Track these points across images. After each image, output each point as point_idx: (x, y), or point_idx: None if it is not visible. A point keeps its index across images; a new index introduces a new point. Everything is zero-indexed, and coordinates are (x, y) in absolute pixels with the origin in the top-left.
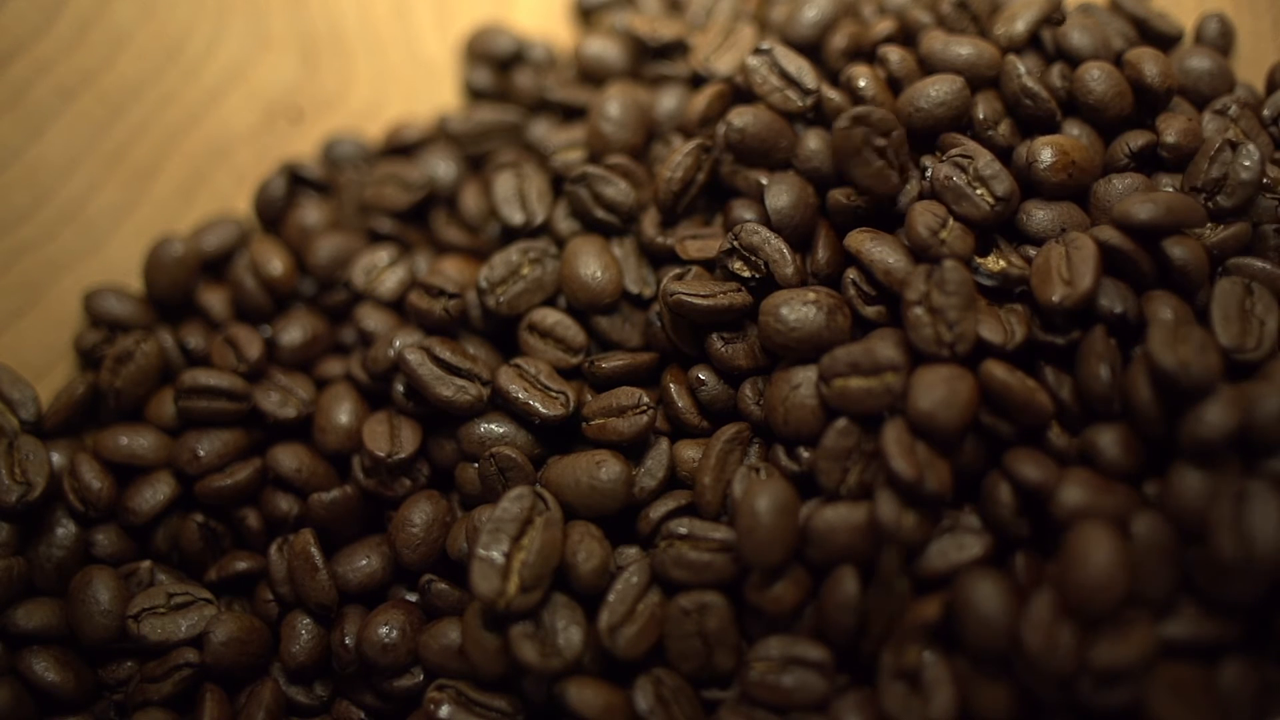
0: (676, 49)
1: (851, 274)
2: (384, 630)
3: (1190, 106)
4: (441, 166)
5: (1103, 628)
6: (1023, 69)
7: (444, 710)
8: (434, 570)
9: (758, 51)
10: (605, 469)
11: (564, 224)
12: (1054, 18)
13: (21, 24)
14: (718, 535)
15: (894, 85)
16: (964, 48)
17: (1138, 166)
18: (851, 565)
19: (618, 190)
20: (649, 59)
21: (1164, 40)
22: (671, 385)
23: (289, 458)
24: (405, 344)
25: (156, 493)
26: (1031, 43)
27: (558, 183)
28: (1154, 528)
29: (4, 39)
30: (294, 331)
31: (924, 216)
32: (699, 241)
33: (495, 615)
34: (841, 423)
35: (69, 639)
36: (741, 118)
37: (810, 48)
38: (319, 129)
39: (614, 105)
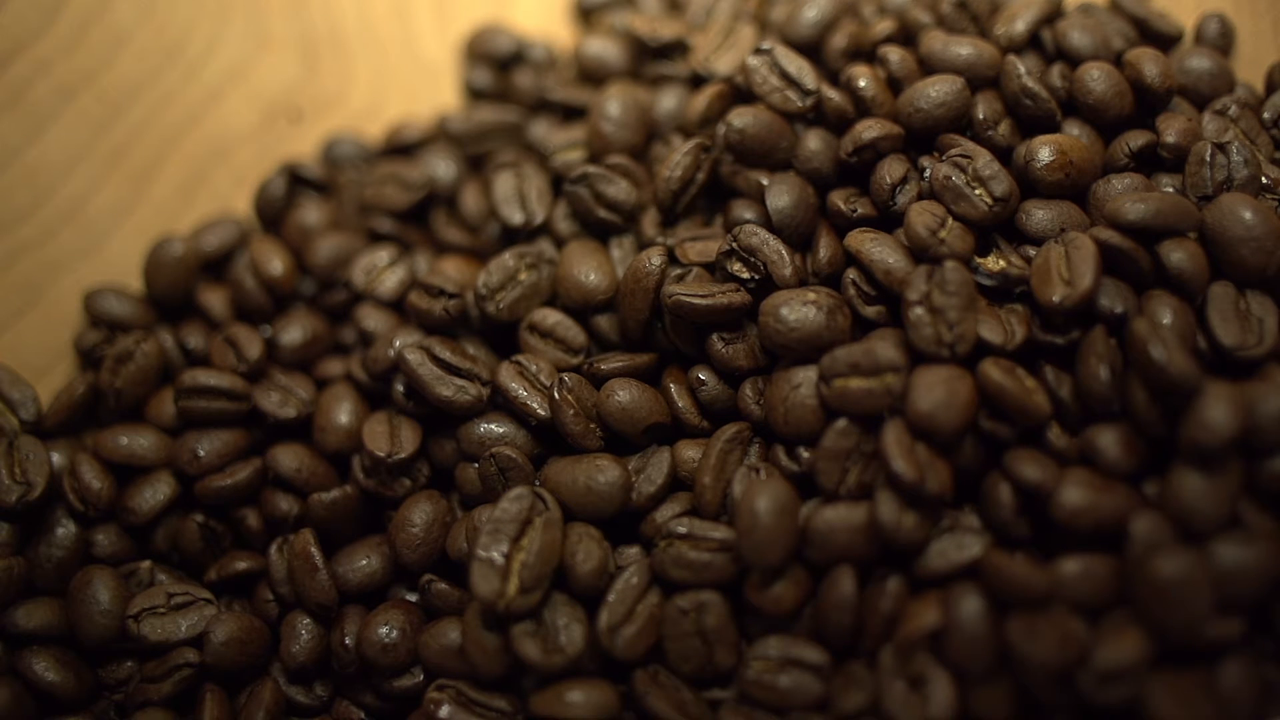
0: (676, 49)
1: (851, 274)
2: (384, 630)
3: (1190, 107)
4: (441, 166)
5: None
6: (1023, 69)
7: (444, 710)
8: (434, 570)
9: (758, 51)
10: (603, 472)
11: (564, 224)
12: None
13: (21, 24)
14: (717, 535)
15: (894, 85)
16: (964, 48)
17: (1137, 166)
18: (850, 565)
19: (619, 189)
20: (649, 59)
21: (1164, 40)
22: (671, 385)
23: (289, 458)
24: (405, 344)
25: (156, 493)
26: (1031, 43)
27: (558, 183)
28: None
29: (4, 39)
30: (294, 331)
31: (922, 216)
32: (699, 244)
33: (495, 616)
34: (841, 423)
35: (69, 639)
36: (741, 118)
37: (810, 48)
38: (319, 129)
39: (614, 105)
